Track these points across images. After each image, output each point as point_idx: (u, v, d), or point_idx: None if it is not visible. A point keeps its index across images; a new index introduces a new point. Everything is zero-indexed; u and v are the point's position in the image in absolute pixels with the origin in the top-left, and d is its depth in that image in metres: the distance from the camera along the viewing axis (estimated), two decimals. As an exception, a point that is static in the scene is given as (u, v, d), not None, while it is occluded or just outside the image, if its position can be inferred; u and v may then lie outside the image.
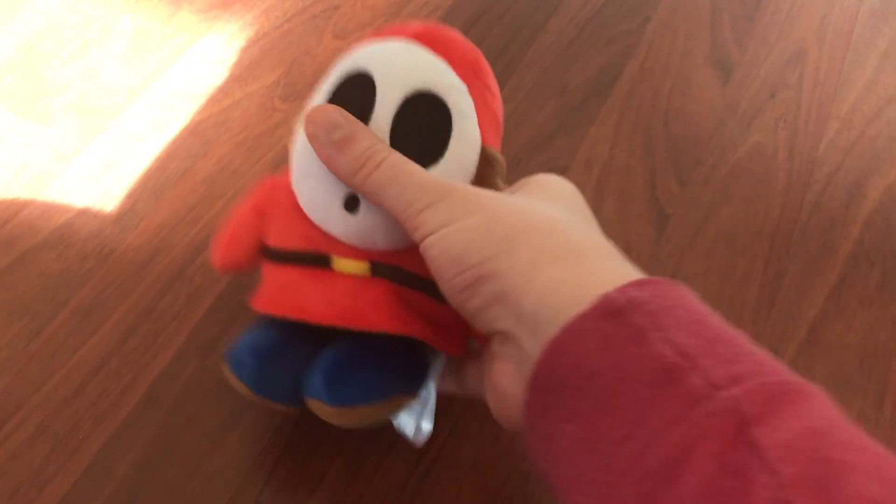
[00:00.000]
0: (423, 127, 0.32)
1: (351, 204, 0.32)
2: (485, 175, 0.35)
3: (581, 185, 0.50)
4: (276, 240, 0.35)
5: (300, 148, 0.34)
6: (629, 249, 0.48)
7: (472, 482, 0.39)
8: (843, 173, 0.53)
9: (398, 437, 0.38)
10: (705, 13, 0.62)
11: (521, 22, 0.61)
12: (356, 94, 0.33)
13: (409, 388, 0.34)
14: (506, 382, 0.30)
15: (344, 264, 0.33)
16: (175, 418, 0.41)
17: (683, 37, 0.61)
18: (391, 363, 0.34)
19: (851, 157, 0.54)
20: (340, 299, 0.32)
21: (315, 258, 0.33)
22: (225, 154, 0.52)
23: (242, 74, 0.57)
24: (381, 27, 0.30)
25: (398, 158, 0.31)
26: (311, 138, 0.31)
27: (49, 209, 0.48)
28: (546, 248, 0.28)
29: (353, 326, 0.32)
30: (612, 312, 0.25)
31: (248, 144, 0.52)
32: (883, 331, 0.46)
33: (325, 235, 0.33)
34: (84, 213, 0.48)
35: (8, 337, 0.43)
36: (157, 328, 0.44)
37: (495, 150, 0.35)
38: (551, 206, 0.32)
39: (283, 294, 0.34)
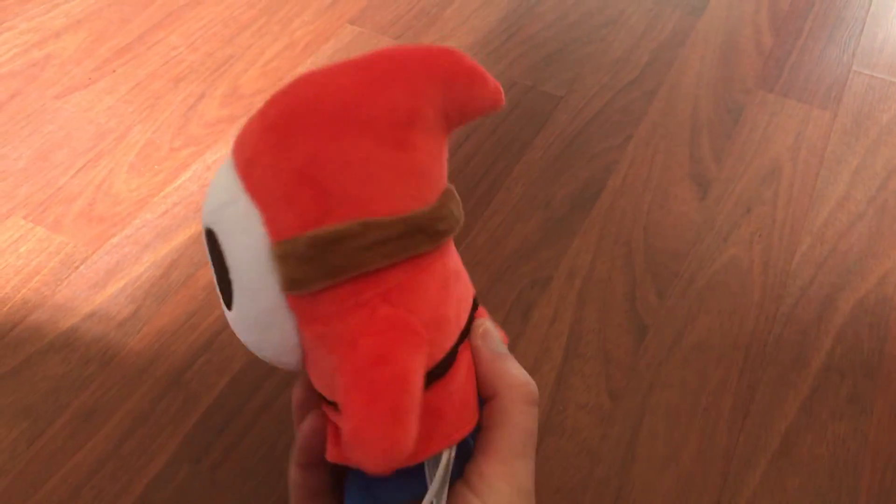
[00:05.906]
0: (217, 268, 0.28)
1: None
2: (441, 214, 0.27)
3: (564, 295, 0.53)
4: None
5: None
6: (608, 359, 0.50)
7: None
8: (816, 287, 0.55)
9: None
10: (685, 130, 0.66)
11: (510, 137, 0.64)
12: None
13: (422, 488, 0.29)
14: None
15: None
16: (166, 522, 0.42)
17: (664, 153, 0.64)
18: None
19: (824, 270, 0.57)
20: None
21: None
22: (225, 262, 0.54)
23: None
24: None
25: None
26: (486, 337, 0.32)
27: (56, 313, 0.51)
28: None
29: None
30: None
31: (247, 252, 0.55)
32: (854, 443, 0.47)
33: None
34: (89, 318, 0.51)
35: (9, 440, 0.45)
36: (153, 432, 0.46)
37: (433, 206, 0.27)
38: None
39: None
